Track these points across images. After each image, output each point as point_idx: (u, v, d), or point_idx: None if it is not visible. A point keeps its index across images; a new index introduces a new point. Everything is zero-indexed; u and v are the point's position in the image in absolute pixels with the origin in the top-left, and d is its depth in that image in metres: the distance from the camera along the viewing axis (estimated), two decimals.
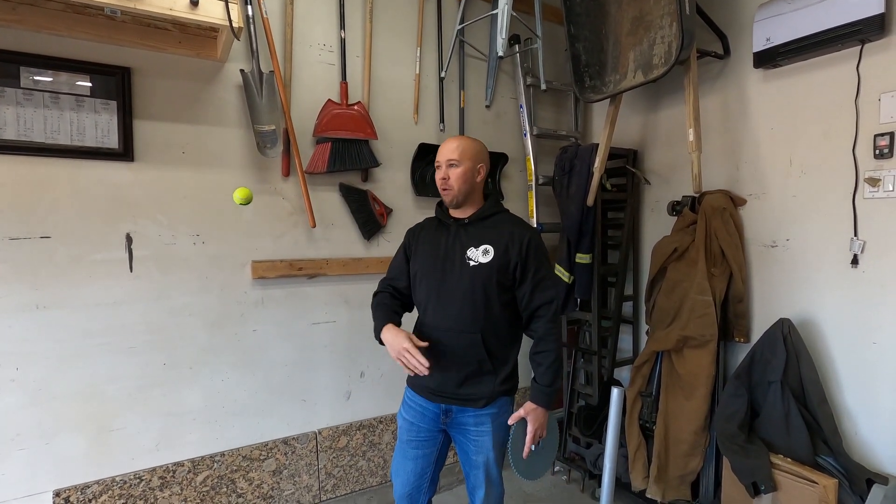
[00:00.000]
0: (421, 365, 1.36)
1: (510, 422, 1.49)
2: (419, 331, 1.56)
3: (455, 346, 1.48)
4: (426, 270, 1.55)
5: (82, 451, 1.78)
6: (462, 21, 2.46)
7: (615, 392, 1.36)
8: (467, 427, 1.54)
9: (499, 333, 1.52)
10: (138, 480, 1.85)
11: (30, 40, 1.66)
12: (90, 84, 1.76)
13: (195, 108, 1.94)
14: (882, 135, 1.77)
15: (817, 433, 1.83)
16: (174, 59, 1.88)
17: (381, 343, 1.49)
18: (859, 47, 1.83)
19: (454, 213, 1.57)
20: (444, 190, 1.52)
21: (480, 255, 1.48)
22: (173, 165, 1.90)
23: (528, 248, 1.48)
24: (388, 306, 1.58)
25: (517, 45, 2.67)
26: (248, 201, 1.56)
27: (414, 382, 1.59)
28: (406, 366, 1.39)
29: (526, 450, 1.49)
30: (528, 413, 1.48)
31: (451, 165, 1.50)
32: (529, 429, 1.48)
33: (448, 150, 1.51)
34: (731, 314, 2.18)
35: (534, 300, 1.50)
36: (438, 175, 1.53)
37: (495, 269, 1.46)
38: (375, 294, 1.65)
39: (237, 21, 1.65)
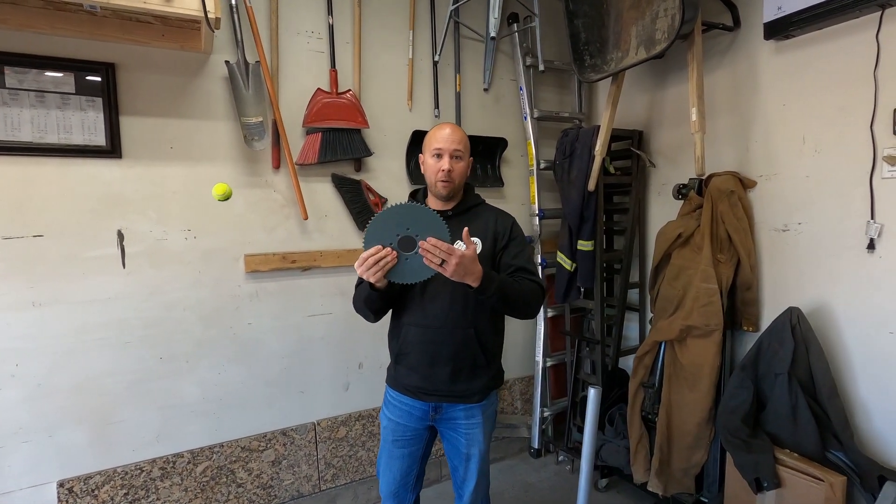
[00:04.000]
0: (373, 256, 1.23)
1: (464, 236, 1.27)
2: (404, 331, 1.48)
3: (447, 344, 1.43)
4: None
5: (84, 444, 1.83)
6: (456, 1, 2.36)
7: (592, 392, 1.30)
8: (457, 421, 1.51)
9: (489, 325, 1.49)
10: (139, 471, 1.90)
11: (12, 39, 1.66)
12: (75, 81, 1.75)
13: (182, 102, 1.92)
14: None
15: (827, 427, 1.75)
16: (158, 52, 1.86)
17: (373, 290, 1.35)
18: (879, 13, 1.68)
19: (434, 205, 1.50)
20: (445, 182, 1.43)
21: None
22: (162, 161, 1.90)
23: (511, 235, 1.49)
24: None
25: (515, 25, 2.56)
26: (226, 197, 1.54)
27: (397, 382, 1.54)
28: (378, 268, 1.24)
29: (430, 244, 1.21)
30: (471, 253, 1.23)
31: (456, 158, 1.43)
32: (458, 251, 1.22)
33: (452, 140, 1.43)
34: (739, 302, 2.09)
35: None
36: (439, 165, 1.42)
37: (486, 260, 1.42)
38: (356, 286, 1.52)
39: (213, 11, 1.62)
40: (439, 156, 1.43)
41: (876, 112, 1.71)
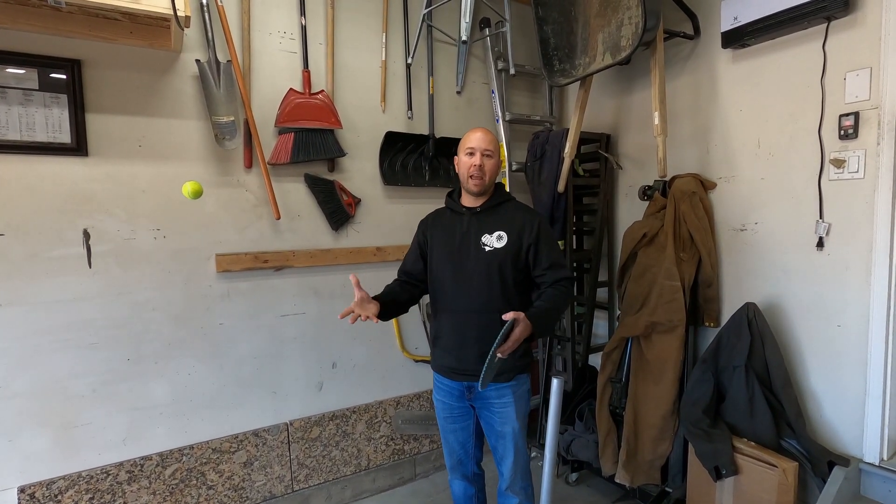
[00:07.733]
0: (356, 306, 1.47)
1: (505, 316, 1.41)
2: (437, 315, 1.69)
3: (474, 327, 1.60)
4: (442, 258, 1.65)
5: (47, 447, 1.78)
6: (428, 4, 2.40)
7: (555, 382, 1.35)
8: (490, 400, 1.64)
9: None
10: (105, 475, 1.86)
11: None
12: (38, 77, 1.72)
13: (151, 100, 1.90)
14: (847, 115, 1.74)
15: (781, 416, 1.84)
16: (126, 49, 1.84)
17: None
18: (825, 25, 1.79)
19: (466, 203, 1.67)
20: (476, 178, 1.59)
21: (495, 240, 1.60)
22: (130, 159, 1.88)
23: (539, 233, 1.61)
24: (390, 288, 1.70)
25: (487, 29, 2.62)
26: (197, 195, 1.53)
27: (437, 365, 1.72)
28: (357, 315, 1.48)
29: (506, 348, 1.41)
30: (521, 320, 1.43)
31: (487, 156, 1.60)
32: (514, 334, 1.42)
33: (485, 140, 1.60)
34: (700, 299, 2.17)
35: (550, 278, 1.60)
36: (471, 161, 1.59)
37: (510, 253, 1.58)
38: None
39: (183, 9, 1.61)
40: (472, 153, 1.60)
41: (823, 118, 1.81)
